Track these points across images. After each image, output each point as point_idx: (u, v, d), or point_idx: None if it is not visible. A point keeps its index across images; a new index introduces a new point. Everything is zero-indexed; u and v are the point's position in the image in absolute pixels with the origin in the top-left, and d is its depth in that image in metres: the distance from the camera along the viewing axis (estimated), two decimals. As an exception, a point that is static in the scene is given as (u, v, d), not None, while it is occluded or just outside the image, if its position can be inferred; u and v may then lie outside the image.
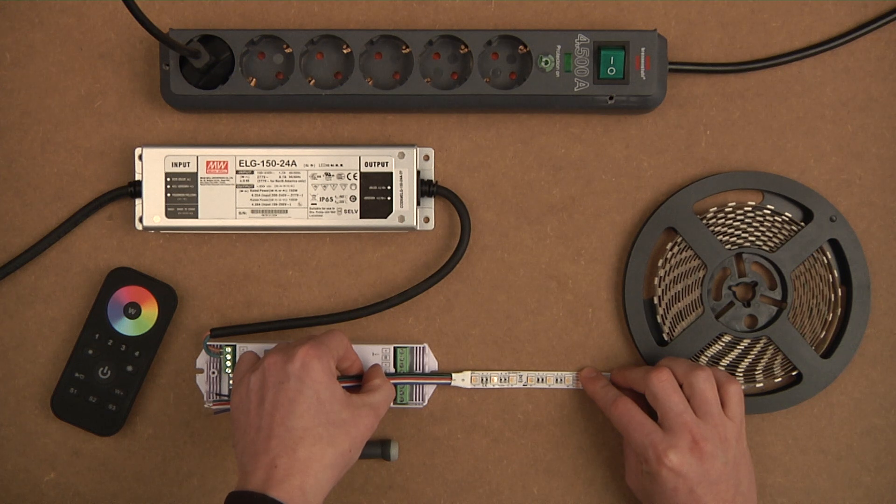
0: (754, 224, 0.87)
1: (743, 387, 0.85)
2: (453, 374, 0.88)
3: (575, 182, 0.89)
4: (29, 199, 0.89)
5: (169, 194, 0.86)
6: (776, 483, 0.89)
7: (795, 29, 0.89)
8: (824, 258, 0.87)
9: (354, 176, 0.86)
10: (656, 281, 0.87)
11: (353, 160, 0.86)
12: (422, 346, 0.88)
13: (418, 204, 0.86)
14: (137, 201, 0.86)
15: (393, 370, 0.88)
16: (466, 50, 0.85)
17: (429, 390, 0.88)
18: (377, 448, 0.88)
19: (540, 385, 0.88)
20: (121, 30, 0.88)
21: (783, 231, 0.87)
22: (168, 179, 0.86)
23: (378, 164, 0.86)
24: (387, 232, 0.88)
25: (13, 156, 0.89)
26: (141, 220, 0.86)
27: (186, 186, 0.86)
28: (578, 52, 0.85)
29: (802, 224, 0.87)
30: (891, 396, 0.89)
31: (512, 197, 0.89)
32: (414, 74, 0.85)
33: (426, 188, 0.87)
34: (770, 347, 0.87)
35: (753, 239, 0.87)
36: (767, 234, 0.87)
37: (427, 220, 0.88)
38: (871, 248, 0.89)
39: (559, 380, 0.88)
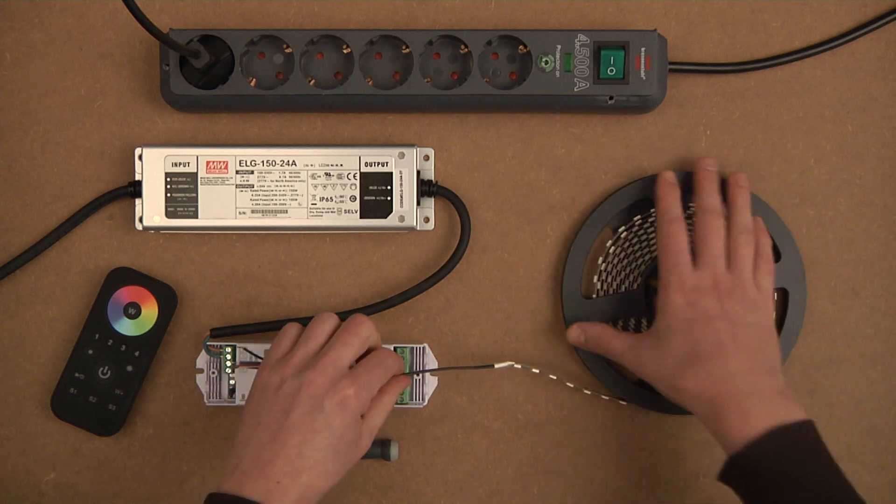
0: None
1: None
2: (495, 364, 0.88)
3: (575, 182, 0.89)
4: (29, 199, 0.89)
5: (169, 194, 0.86)
6: (776, 483, 0.89)
7: (795, 29, 0.89)
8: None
9: (354, 176, 0.86)
10: (595, 279, 0.87)
11: (353, 160, 0.86)
12: (422, 346, 0.88)
13: (418, 204, 0.86)
14: (137, 201, 0.86)
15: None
16: (466, 50, 0.85)
17: (429, 390, 0.88)
18: (377, 448, 0.88)
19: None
20: (121, 30, 0.88)
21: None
22: (168, 179, 0.86)
23: (378, 164, 0.86)
24: (387, 232, 0.88)
25: (13, 156, 0.89)
26: (141, 220, 0.86)
27: (186, 186, 0.86)
28: (578, 52, 0.85)
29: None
30: (891, 396, 0.89)
31: (512, 197, 0.89)
32: (414, 74, 0.85)
33: (426, 188, 0.87)
34: None
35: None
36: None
37: (427, 220, 0.88)
38: (870, 247, 0.89)
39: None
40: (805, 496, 0.72)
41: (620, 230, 0.88)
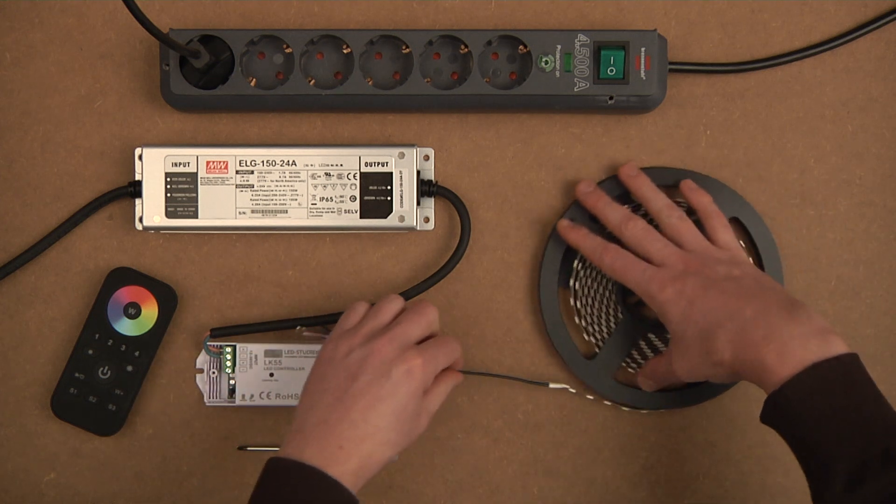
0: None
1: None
2: (550, 384, 0.88)
3: (575, 182, 0.89)
4: (29, 199, 0.89)
5: (169, 194, 0.86)
6: (776, 483, 0.89)
7: (795, 29, 0.89)
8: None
9: (354, 176, 0.86)
10: (573, 282, 0.88)
11: (353, 160, 0.86)
12: (422, 346, 0.88)
13: (418, 204, 0.86)
14: (137, 201, 0.86)
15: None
16: (466, 50, 0.85)
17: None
18: (377, 448, 0.88)
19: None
20: (121, 30, 0.88)
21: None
22: (168, 179, 0.86)
23: (378, 164, 0.86)
24: (387, 232, 0.88)
25: (13, 156, 0.89)
26: (141, 220, 0.86)
27: (186, 186, 0.86)
28: (578, 52, 0.85)
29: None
30: (891, 396, 0.88)
31: (512, 197, 0.89)
32: (414, 74, 0.85)
33: (426, 188, 0.87)
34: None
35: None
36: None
37: (427, 220, 0.88)
38: (870, 248, 0.89)
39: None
40: (844, 431, 0.71)
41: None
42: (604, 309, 0.87)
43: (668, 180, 0.87)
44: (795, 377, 0.72)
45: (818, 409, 0.71)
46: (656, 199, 0.84)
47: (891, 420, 0.72)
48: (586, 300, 0.87)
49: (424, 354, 0.77)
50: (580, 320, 0.88)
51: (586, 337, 0.88)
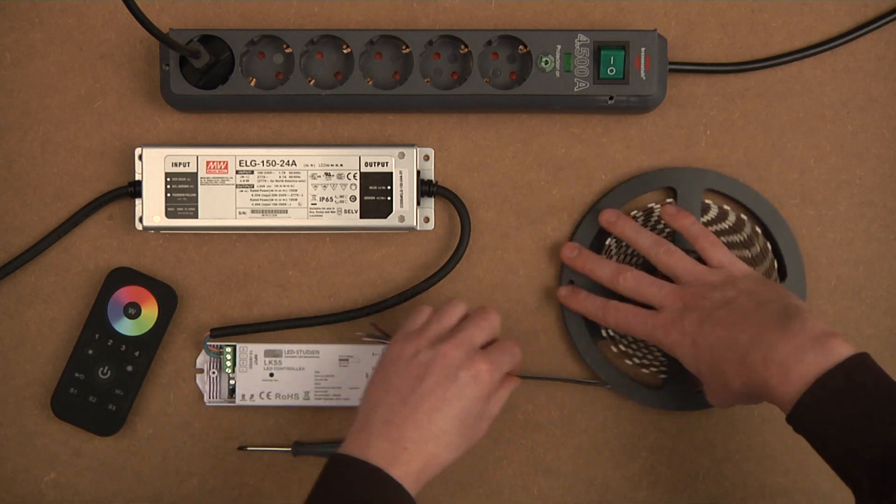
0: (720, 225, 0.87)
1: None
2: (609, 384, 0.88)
3: (575, 182, 0.89)
4: (29, 199, 0.89)
5: (169, 194, 0.86)
6: (776, 483, 0.89)
7: (795, 29, 0.89)
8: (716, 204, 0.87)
9: (354, 176, 0.86)
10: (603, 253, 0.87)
11: (353, 160, 0.86)
12: (422, 346, 0.88)
13: (418, 204, 0.86)
14: (137, 201, 0.86)
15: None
16: (466, 50, 0.85)
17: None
18: (377, 448, 0.88)
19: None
20: (121, 30, 0.88)
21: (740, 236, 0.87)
22: (168, 179, 0.86)
23: (378, 164, 0.86)
24: (387, 232, 0.88)
25: (13, 156, 0.89)
26: (141, 220, 0.86)
27: (186, 186, 0.86)
28: (578, 52, 0.85)
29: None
30: (891, 396, 0.89)
31: (512, 197, 0.89)
32: (414, 74, 0.85)
33: (426, 188, 0.87)
34: None
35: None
36: (723, 234, 0.87)
37: (427, 220, 0.88)
38: (871, 248, 0.89)
39: None
40: (859, 440, 0.70)
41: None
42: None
43: (665, 183, 0.88)
44: (802, 398, 0.72)
45: (830, 423, 0.71)
46: (641, 239, 0.84)
47: None
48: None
49: (490, 360, 0.78)
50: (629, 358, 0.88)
51: (603, 333, 0.88)
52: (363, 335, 0.86)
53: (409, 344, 0.78)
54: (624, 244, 0.87)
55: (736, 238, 0.87)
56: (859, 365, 0.72)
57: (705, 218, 0.87)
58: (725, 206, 0.88)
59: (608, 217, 0.86)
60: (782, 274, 0.87)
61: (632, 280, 0.82)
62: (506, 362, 0.79)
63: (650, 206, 0.87)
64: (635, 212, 0.87)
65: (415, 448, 0.74)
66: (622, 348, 0.87)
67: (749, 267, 0.82)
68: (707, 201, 0.88)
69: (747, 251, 0.87)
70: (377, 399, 0.76)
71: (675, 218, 0.84)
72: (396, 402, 0.76)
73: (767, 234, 0.88)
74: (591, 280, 0.85)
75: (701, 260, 0.82)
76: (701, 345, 0.77)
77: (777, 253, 0.87)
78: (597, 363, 0.88)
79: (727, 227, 0.87)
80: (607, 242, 0.87)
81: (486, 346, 0.80)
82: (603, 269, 0.84)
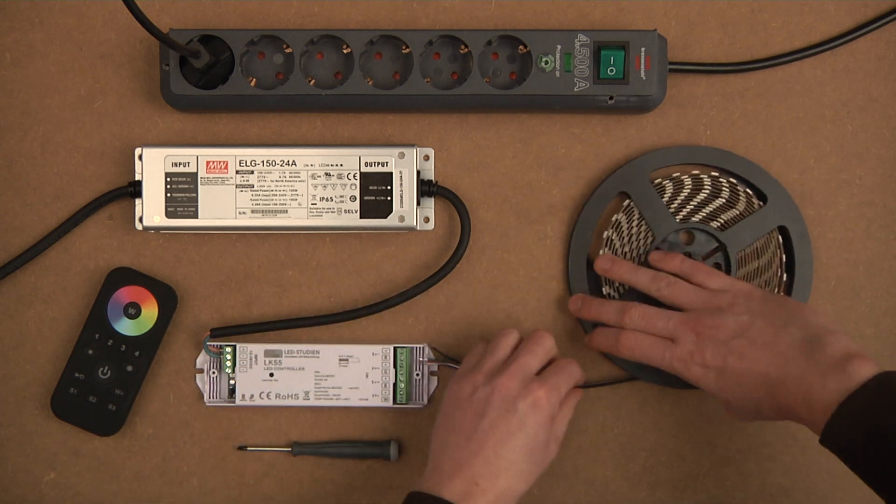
0: (710, 200, 0.87)
1: None
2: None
3: (575, 182, 0.89)
4: (29, 199, 0.89)
5: (169, 194, 0.86)
6: (776, 483, 0.89)
7: (795, 29, 0.89)
8: (773, 243, 0.87)
9: (354, 176, 0.86)
10: (601, 249, 0.88)
11: (353, 160, 0.86)
12: (422, 346, 0.88)
13: (418, 204, 0.86)
14: (137, 201, 0.86)
15: (393, 370, 0.88)
16: (466, 50, 0.85)
17: (429, 390, 0.88)
18: (377, 448, 0.88)
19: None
20: (121, 30, 0.88)
21: (735, 210, 0.87)
22: (168, 179, 0.86)
23: (378, 164, 0.86)
24: (387, 232, 0.88)
25: (13, 156, 0.89)
26: (141, 220, 0.86)
27: (186, 186, 0.86)
28: (578, 52, 0.85)
29: (760, 204, 0.87)
30: (891, 396, 0.89)
31: (512, 197, 0.89)
32: (414, 74, 0.85)
33: (426, 188, 0.87)
34: None
35: (705, 214, 0.87)
36: (720, 211, 0.87)
37: (427, 220, 0.88)
38: (870, 247, 0.89)
39: None
40: (888, 465, 0.70)
41: (614, 218, 0.87)
42: (615, 286, 0.87)
43: (677, 160, 0.88)
44: (828, 424, 0.72)
45: (858, 445, 0.71)
46: (639, 278, 0.84)
47: None
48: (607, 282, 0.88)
49: (547, 385, 0.79)
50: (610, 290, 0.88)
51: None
52: (428, 359, 0.87)
53: (467, 382, 0.80)
54: (624, 287, 0.87)
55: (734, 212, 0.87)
56: (881, 385, 0.72)
57: (702, 196, 0.87)
58: (720, 178, 0.87)
59: (602, 265, 0.86)
60: (789, 252, 0.87)
61: (638, 317, 0.82)
62: (563, 382, 0.81)
63: (615, 219, 0.87)
64: (607, 232, 0.87)
65: (487, 483, 0.76)
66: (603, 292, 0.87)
67: (750, 284, 0.83)
68: (701, 175, 0.87)
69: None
70: (444, 440, 0.79)
71: (665, 262, 0.85)
72: (463, 441, 0.78)
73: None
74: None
75: None
76: (727, 377, 0.78)
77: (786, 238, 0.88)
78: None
79: (723, 202, 0.87)
80: (605, 292, 0.88)
81: (543, 370, 0.82)
82: (608, 312, 0.84)
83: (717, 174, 0.87)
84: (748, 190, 0.87)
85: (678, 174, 0.88)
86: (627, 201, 0.87)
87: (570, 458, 0.89)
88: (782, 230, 0.87)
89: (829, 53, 0.89)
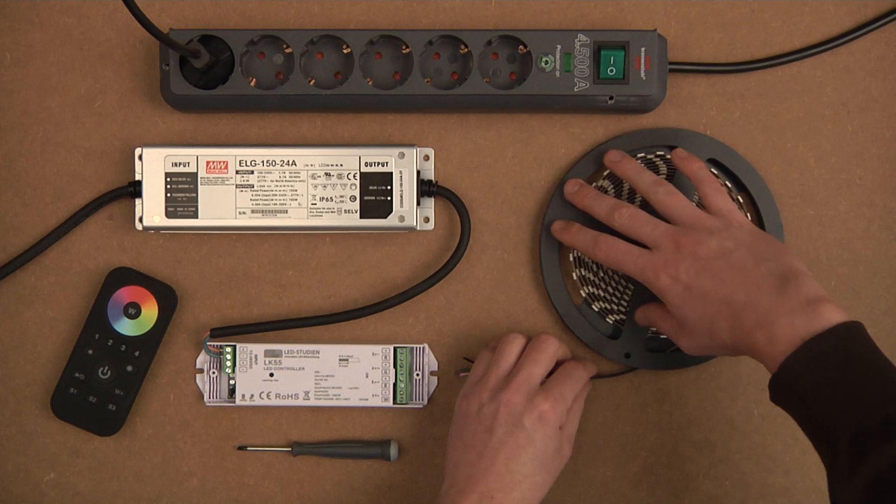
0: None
1: None
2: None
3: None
4: (29, 199, 0.89)
5: (169, 194, 0.86)
6: (776, 483, 0.89)
7: (795, 29, 0.89)
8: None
9: (354, 176, 0.86)
10: (571, 257, 0.87)
11: (353, 160, 0.86)
12: (422, 346, 0.88)
13: (418, 204, 0.86)
14: (137, 201, 0.86)
15: (393, 370, 0.88)
16: (466, 50, 0.85)
17: (429, 390, 0.88)
18: (377, 448, 0.88)
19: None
20: (121, 30, 0.88)
21: (661, 176, 0.86)
22: (168, 179, 0.86)
23: (378, 164, 0.86)
24: (387, 232, 0.88)
25: (13, 156, 0.89)
26: (141, 220, 0.86)
27: (186, 186, 0.86)
28: (578, 52, 0.85)
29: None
30: (891, 396, 0.89)
31: (512, 197, 0.89)
32: (414, 74, 0.85)
33: (426, 188, 0.87)
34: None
35: (641, 197, 0.86)
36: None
37: (427, 220, 0.88)
38: (870, 247, 0.89)
39: None
40: (842, 406, 0.69)
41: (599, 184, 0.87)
42: (611, 283, 0.87)
43: (673, 141, 0.88)
44: (788, 358, 0.71)
45: (814, 387, 0.70)
46: (642, 178, 0.82)
47: (891, 386, 0.69)
48: (594, 275, 0.87)
49: (552, 396, 0.80)
50: (593, 302, 0.87)
51: (611, 319, 0.87)
52: (457, 373, 0.87)
53: (473, 398, 0.81)
54: (620, 186, 0.87)
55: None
56: (849, 333, 0.71)
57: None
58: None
59: (613, 157, 0.85)
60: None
61: (627, 216, 0.81)
62: (568, 390, 0.81)
63: (659, 153, 0.87)
64: (641, 155, 0.87)
65: (502, 497, 0.77)
66: (590, 289, 0.87)
67: (748, 219, 0.82)
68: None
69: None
70: (457, 457, 0.80)
71: (685, 161, 0.83)
72: (474, 458, 0.79)
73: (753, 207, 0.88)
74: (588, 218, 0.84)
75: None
76: (693, 293, 0.77)
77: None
78: (620, 345, 0.88)
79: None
80: (601, 183, 0.87)
81: (550, 375, 0.82)
82: (601, 204, 0.83)
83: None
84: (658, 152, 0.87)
85: (644, 154, 0.87)
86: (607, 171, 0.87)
87: (570, 458, 0.89)
88: (713, 161, 0.87)
89: (829, 53, 0.89)
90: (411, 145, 0.86)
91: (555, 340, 0.83)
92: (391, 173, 0.86)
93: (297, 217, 0.86)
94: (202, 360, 0.88)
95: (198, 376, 0.88)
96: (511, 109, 0.87)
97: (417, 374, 0.88)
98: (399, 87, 0.85)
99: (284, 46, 0.85)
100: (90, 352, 0.87)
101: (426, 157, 0.88)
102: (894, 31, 0.89)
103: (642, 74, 0.85)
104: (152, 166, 0.86)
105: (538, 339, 0.83)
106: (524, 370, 0.81)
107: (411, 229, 0.86)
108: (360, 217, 0.86)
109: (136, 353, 0.87)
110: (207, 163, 0.86)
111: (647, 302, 0.85)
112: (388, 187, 0.86)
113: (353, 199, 0.86)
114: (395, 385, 0.88)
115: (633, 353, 0.87)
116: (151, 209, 0.86)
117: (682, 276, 0.77)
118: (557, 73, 0.85)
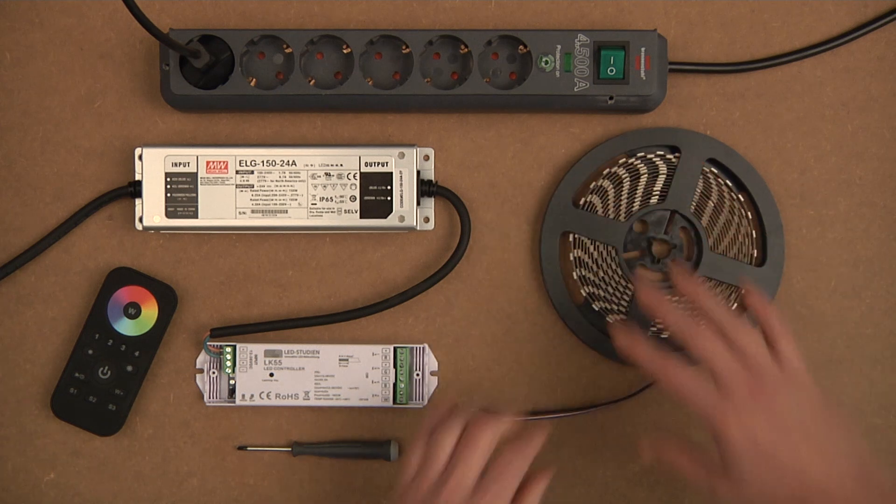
0: (635, 180, 0.87)
1: None
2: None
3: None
4: (29, 199, 0.89)
5: (169, 194, 0.86)
6: (776, 483, 0.89)
7: (795, 29, 0.89)
8: (711, 177, 0.87)
9: (354, 176, 0.86)
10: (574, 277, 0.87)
11: (353, 160, 0.86)
12: (422, 346, 0.88)
13: (418, 204, 0.86)
14: (137, 201, 0.86)
15: (393, 370, 0.88)
16: (466, 50, 0.85)
17: (429, 390, 0.88)
18: (377, 448, 0.88)
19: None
20: (121, 30, 0.88)
21: (661, 176, 0.87)
22: (168, 179, 0.86)
23: (378, 164, 0.86)
24: (387, 232, 0.88)
25: (13, 156, 0.89)
26: (141, 220, 0.86)
27: (186, 186, 0.86)
28: (578, 52, 0.85)
29: (674, 158, 0.87)
30: (891, 396, 0.89)
31: (512, 197, 0.89)
32: (414, 74, 0.85)
33: (426, 188, 0.87)
34: (710, 283, 0.87)
35: (641, 198, 0.87)
36: (649, 187, 0.87)
37: (427, 220, 0.88)
38: (870, 247, 0.89)
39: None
40: None
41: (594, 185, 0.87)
42: (611, 282, 0.87)
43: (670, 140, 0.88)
44: None
45: None
46: (717, 310, 0.77)
47: None
48: (594, 275, 0.87)
49: (489, 494, 0.75)
50: (593, 302, 0.87)
51: (611, 319, 0.87)
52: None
53: (409, 497, 0.76)
54: (621, 186, 0.86)
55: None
56: None
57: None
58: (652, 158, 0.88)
59: (682, 284, 0.79)
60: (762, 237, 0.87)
61: (702, 346, 0.75)
62: (507, 486, 0.76)
63: (659, 153, 0.87)
64: (641, 154, 0.86)
65: None
66: (590, 289, 0.87)
67: (806, 370, 0.77)
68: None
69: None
70: None
71: (761, 307, 0.77)
72: None
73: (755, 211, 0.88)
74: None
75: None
76: (762, 452, 0.73)
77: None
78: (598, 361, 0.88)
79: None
80: (601, 183, 0.87)
81: (490, 464, 0.77)
82: (677, 320, 0.76)
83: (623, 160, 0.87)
84: (658, 152, 0.87)
85: (609, 169, 0.87)
86: (593, 183, 0.87)
87: (570, 458, 0.89)
88: (712, 161, 0.87)
89: (829, 53, 0.89)
90: (411, 145, 0.86)
91: (488, 430, 0.77)
92: (391, 173, 0.86)
93: (297, 217, 0.86)
94: (202, 360, 0.88)
95: (198, 376, 0.88)
96: (511, 109, 0.87)
97: (417, 375, 0.88)
98: (399, 87, 0.85)
99: (284, 46, 0.85)
100: (90, 352, 0.87)
101: (426, 157, 0.88)
102: (894, 31, 0.89)
103: (642, 74, 0.85)
104: (152, 166, 0.86)
105: (469, 434, 0.77)
106: (457, 470, 0.75)
107: (411, 229, 0.86)
108: (360, 217, 0.86)
109: (136, 353, 0.87)
110: (207, 163, 0.86)
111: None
112: (388, 187, 0.86)
113: (353, 199, 0.86)
114: (395, 385, 0.88)
115: None
116: (151, 209, 0.86)
117: (756, 433, 0.73)
118: (557, 73, 0.85)
